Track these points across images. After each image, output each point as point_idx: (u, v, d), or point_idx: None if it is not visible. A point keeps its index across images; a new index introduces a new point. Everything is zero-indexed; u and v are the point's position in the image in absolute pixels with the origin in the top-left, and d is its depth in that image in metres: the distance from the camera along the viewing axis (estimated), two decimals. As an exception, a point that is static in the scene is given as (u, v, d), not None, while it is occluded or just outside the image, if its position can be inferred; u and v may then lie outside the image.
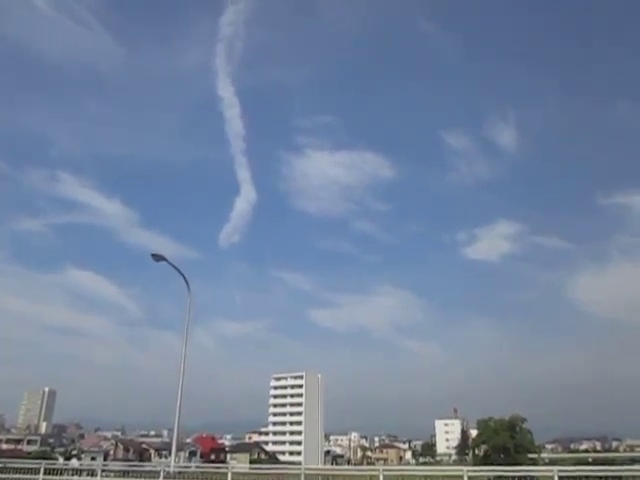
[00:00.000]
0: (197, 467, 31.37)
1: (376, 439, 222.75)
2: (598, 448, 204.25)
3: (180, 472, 24.46)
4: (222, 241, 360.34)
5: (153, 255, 23.21)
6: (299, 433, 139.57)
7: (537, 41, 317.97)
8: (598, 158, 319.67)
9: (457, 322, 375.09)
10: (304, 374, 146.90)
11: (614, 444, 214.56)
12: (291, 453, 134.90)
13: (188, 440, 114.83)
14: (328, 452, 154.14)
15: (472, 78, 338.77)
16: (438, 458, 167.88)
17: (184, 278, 24.63)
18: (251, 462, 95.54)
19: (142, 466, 30.67)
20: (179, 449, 79.62)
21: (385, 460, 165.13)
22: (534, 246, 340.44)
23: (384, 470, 21.74)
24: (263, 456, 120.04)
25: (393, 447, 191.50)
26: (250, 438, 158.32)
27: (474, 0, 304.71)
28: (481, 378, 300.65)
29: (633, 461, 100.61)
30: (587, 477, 26.63)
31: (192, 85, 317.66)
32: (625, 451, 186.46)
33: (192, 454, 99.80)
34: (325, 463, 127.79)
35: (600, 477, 24.56)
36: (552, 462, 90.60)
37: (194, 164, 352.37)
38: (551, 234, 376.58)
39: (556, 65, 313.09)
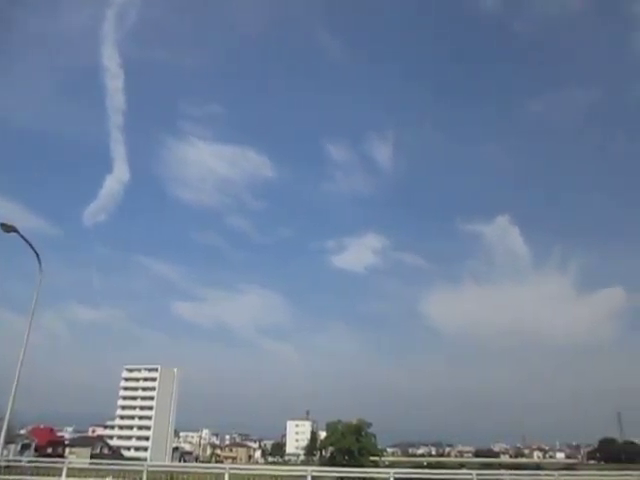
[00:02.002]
0: (29, 462, 28.98)
1: (227, 437, 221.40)
2: (433, 453, 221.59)
3: (8, 467, 22.41)
4: (86, 219, 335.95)
5: (2, 225, 20.77)
6: (148, 428, 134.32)
7: (422, 66, 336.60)
8: (461, 187, 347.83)
9: (318, 327, 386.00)
10: (159, 368, 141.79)
11: (447, 449, 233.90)
12: (137, 449, 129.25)
13: (22, 431, 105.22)
14: (177, 449, 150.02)
15: (360, 92, 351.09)
16: (287, 458, 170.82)
17: (36, 254, 22.25)
18: (92, 457, 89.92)
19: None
20: (10, 441, 72.77)
21: (234, 459, 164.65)
22: (396, 261, 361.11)
23: (230, 469, 21.74)
24: (106, 451, 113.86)
25: (243, 446, 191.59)
26: (94, 432, 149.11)
27: (375, 20, 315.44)
28: (335, 383, 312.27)
29: (461, 465, 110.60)
30: (420, 479, 28.73)
31: (75, 49, 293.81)
32: (456, 456, 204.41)
33: (25, 447, 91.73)
34: (173, 460, 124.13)
35: (432, 479, 26.69)
36: (391, 465, 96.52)
37: (65, 133, 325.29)
38: (412, 252, 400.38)
39: (434, 97, 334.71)
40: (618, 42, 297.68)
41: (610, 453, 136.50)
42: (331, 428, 71.98)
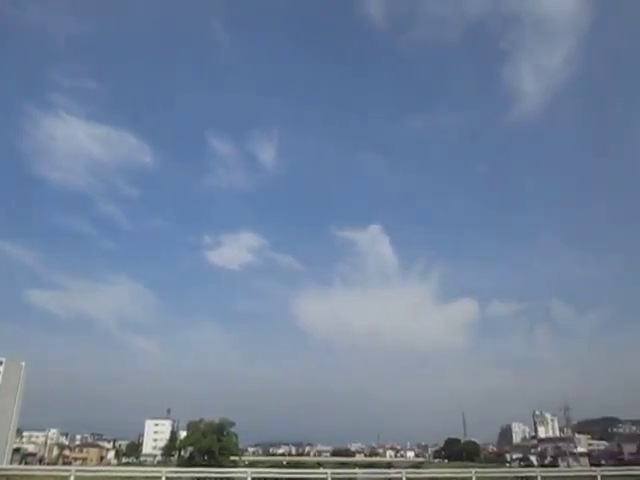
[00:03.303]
0: None
1: (78, 437, 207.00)
2: (293, 452, 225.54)
3: None
4: None
5: None
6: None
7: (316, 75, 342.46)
8: (338, 194, 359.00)
9: (189, 324, 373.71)
10: (3, 361, 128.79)
11: (307, 449, 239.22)
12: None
13: None
14: (18, 450, 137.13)
15: (248, 90, 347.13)
16: (143, 459, 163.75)
17: None
18: None
19: None
20: None
21: (84, 460, 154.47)
22: (272, 261, 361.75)
23: (77, 471, 20.21)
24: None
25: (95, 446, 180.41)
26: None
27: (271, 22, 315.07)
28: (202, 382, 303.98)
29: (319, 464, 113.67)
30: (277, 478, 28.84)
31: None
32: (314, 455, 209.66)
33: None
34: (13, 462, 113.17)
35: (289, 478, 26.95)
36: (251, 464, 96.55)
37: None
38: (288, 253, 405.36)
39: (321, 104, 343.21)
40: (488, 73, 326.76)
41: (453, 452, 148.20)
42: (192, 428, 70.30)
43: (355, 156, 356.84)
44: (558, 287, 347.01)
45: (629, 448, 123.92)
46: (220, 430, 66.73)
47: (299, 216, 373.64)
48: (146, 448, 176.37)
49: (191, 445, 69.34)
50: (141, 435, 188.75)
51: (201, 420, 69.53)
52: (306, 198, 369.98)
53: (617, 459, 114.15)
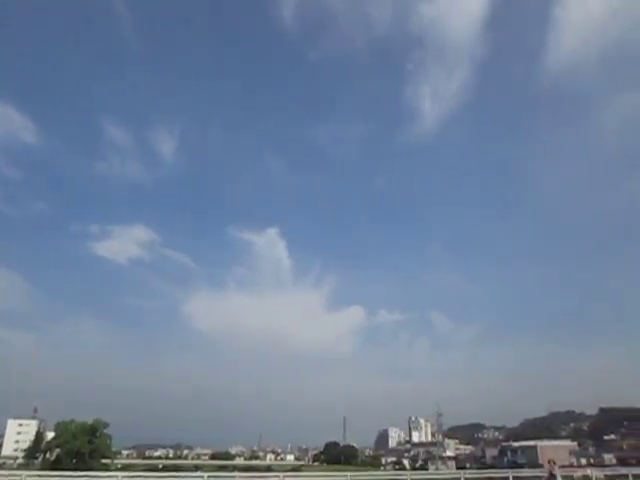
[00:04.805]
0: None
1: None
2: (170, 455, 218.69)
3: None
4: None
5: None
6: None
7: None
8: (238, 196, 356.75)
9: (67, 318, 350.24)
10: None
11: (185, 452, 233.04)
12: None
13: None
14: None
15: (151, 77, 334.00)
16: (1, 461, 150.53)
17: None
18: None
19: None
20: None
21: None
22: (163, 258, 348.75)
23: None
24: None
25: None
26: None
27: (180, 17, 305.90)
28: (79, 380, 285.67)
29: (196, 467, 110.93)
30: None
31: None
32: (193, 458, 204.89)
33: None
34: None
35: None
36: (124, 467, 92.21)
37: None
38: (181, 251, 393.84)
39: (227, 104, 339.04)
40: (391, 90, 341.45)
41: (332, 455, 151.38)
42: (61, 428, 65.40)
43: (258, 158, 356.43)
44: (439, 300, 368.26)
45: (491, 452, 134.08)
46: (92, 431, 62.68)
47: (196, 214, 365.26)
48: (6, 450, 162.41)
49: (59, 447, 64.51)
50: (1, 436, 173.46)
51: (72, 421, 64.85)
52: (205, 197, 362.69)
53: (480, 462, 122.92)
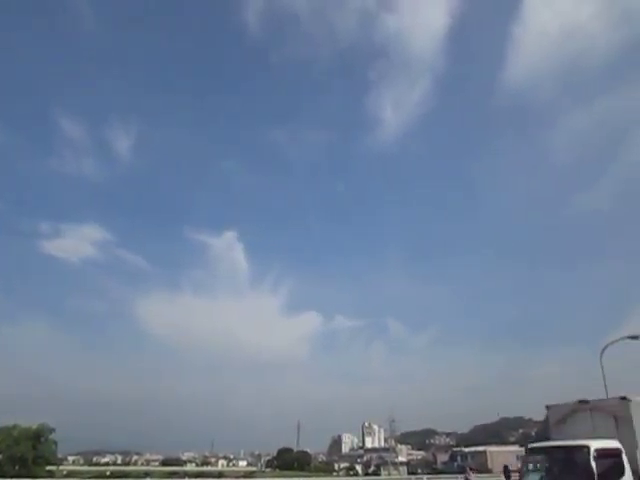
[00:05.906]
0: None
1: None
2: (119, 461, 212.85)
3: None
4: None
5: None
6: None
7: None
8: (195, 196, 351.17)
9: (14, 320, 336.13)
10: None
11: (135, 458, 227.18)
12: None
13: None
14: None
15: (110, 70, 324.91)
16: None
17: None
18: None
19: None
20: None
21: None
22: (117, 258, 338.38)
23: None
24: None
25: None
26: None
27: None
28: (23, 384, 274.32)
29: (146, 474, 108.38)
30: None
31: None
32: (142, 464, 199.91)
33: None
34: None
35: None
36: (69, 474, 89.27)
37: None
38: (135, 252, 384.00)
39: (185, 105, 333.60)
40: (354, 97, 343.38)
41: (286, 461, 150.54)
42: (3, 433, 62.73)
43: (217, 160, 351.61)
44: (395, 306, 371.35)
45: (442, 457, 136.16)
46: (37, 437, 60.41)
47: (152, 214, 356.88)
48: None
49: (0, 453, 61.91)
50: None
51: (15, 426, 62.31)
52: (162, 197, 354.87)
53: (432, 468, 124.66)
